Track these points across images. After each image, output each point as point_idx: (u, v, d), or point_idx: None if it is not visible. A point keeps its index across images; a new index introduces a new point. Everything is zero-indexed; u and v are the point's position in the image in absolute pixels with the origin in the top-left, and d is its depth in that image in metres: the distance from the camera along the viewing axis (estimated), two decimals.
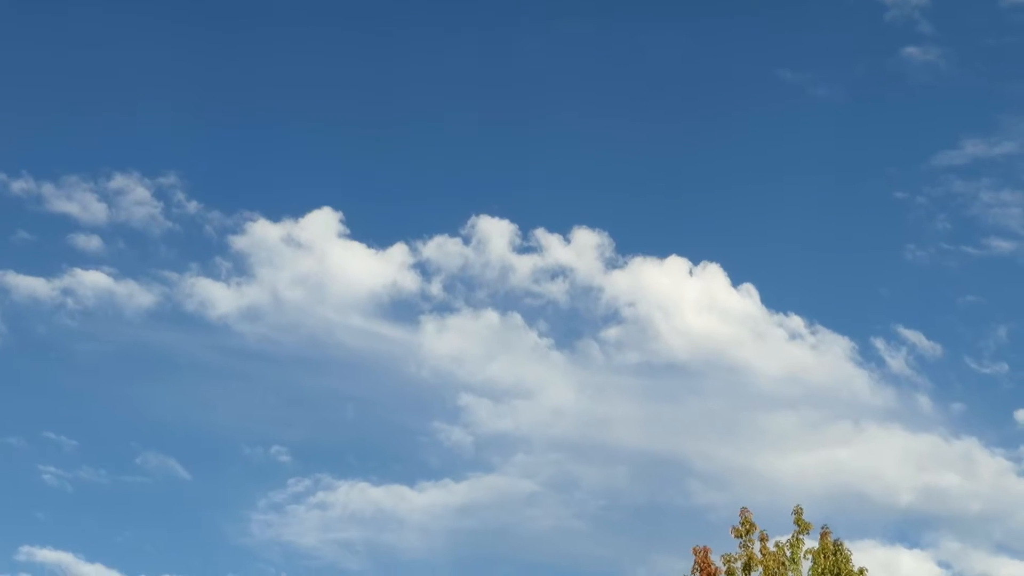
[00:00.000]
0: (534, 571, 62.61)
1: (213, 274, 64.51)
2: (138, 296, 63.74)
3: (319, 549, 61.53)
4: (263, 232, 64.24)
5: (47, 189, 65.00)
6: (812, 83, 69.42)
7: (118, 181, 65.64)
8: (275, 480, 62.80)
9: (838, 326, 63.09)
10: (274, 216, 64.83)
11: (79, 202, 65.02)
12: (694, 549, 22.32)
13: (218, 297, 63.50)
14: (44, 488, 61.38)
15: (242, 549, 61.99)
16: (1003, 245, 64.41)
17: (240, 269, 64.32)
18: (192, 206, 65.63)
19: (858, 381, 61.78)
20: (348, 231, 64.67)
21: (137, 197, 65.31)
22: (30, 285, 63.46)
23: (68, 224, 64.85)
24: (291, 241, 64.21)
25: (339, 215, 64.38)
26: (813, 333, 62.71)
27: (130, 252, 65.76)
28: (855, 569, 22.51)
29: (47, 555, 58.83)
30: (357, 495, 62.11)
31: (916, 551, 57.84)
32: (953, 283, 65.75)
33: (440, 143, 72.71)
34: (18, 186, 65.15)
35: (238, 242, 64.60)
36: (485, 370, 63.72)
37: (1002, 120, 66.46)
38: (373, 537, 61.92)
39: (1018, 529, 58.88)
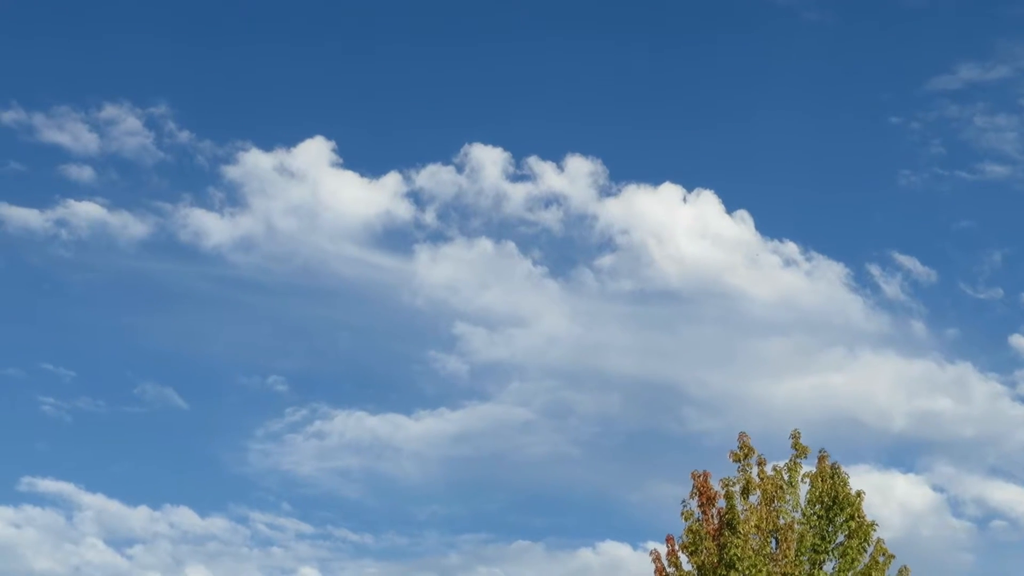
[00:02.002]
0: (530, 498, 63.15)
1: (206, 204, 64.39)
2: (131, 227, 63.65)
3: (317, 478, 62.01)
4: (255, 162, 64.05)
5: (38, 119, 64.69)
6: (805, 7, 68.95)
7: (109, 111, 65.28)
8: (272, 410, 63.17)
9: (832, 252, 63.20)
10: (266, 145, 64.59)
11: (70, 132, 64.71)
12: (693, 473, 22.45)
13: (211, 227, 63.46)
14: (43, 419, 61.77)
15: (240, 478, 62.46)
16: (997, 170, 64.34)
17: (233, 199, 64.18)
18: (184, 136, 65.34)
19: (852, 307, 62.01)
20: (341, 160, 64.47)
21: (128, 127, 64.98)
22: (23, 216, 63.38)
23: (60, 154, 64.60)
24: (284, 170, 64.03)
25: (332, 144, 64.16)
26: (807, 259, 62.81)
27: (122, 182, 65.57)
28: (852, 492, 22.66)
29: (48, 485, 59.30)
30: (354, 424, 62.49)
31: (910, 475, 58.40)
32: (947, 208, 65.80)
33: (432, 71, 72.26)
34: (8, 117, 64.84)
35: (231, 172, 64.41)
36: (479, 298, 63.85)
37: (997, 44, 66.11)
38: (370, 465, 62.37)
39: (1011, 453, 59.40)
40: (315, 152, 64.07)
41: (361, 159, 68.45)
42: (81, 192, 64.12)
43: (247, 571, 58.37)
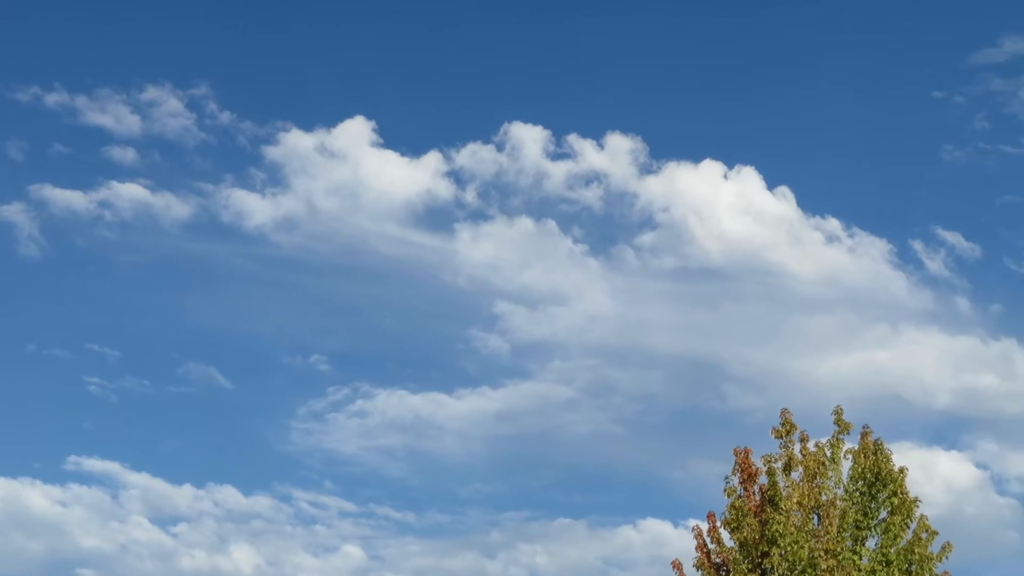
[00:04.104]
0: (572, 475, 63.26)
1: (248, 185, 64.70)
2: (174, 207, 64.06)
3: (360, 456, 62.36)
4: (296, 142, 64.27)
5: (80, 101, 65.11)
6: None
7: (150, 93, 65.66)
8: (315, 389, 63.54)
9: (875, 228, 62.74)
10: (307, 126, 64.78)
11: (113, 114, 65.12)
12: (735, 450, 22.44)
13: (254, 207, 63.76)
14: (90, 399, 62.40)
15: (284, 456, 62.93)
16: None
17: (274, 179, 64.47)
18: (225, 117, 65.63)
19: (896, 283, 61.58)
20: (381, 140, 64.56)
21: (170, 108, 65.33)
22: (67, 198, 63.90)
23: (103, 136, 65.06)
24: (324, 150, 64.21)
25: (372, 124, 64.25)
26: (850, 236, 62.40)
27: (165, 164, 65.98)
28: (895, 469, 22.57)
29: (94, 464, 59.94)
30: (396, 403, 62.76)
31: (954, 452, 58.02)
32: (992, 183, 65.13)
33: (472, 49, 72.20)
34: (52, 99, 65.28)
35: (272, 152, 64.69)
36: (520, 277, 63.87)
37: None
38: (413, 444, 62.65)
39: None
40: (356, 132, 64.24)
41: (401, 138, 68.62)
42: (124, 174, 64.61)
43: (291, 549, 58.88)
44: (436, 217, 64.48)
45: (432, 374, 65.31)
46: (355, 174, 63.96)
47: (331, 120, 65.09)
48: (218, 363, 63.41)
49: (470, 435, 62.40)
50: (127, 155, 64.81)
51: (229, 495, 59.72)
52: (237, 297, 66.82)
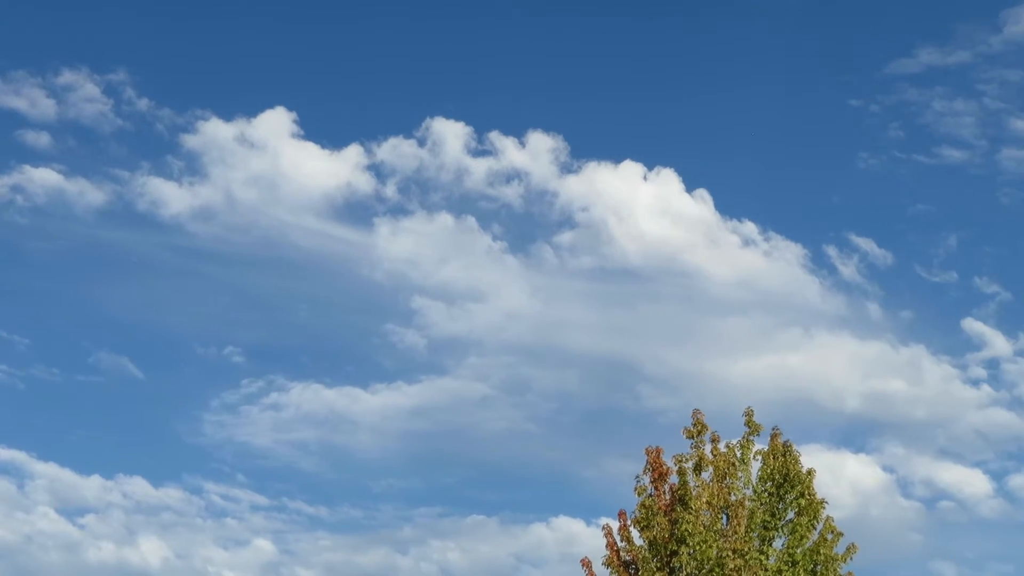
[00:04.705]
0: (485, 473, 63.34)
1: (165, 173, 63.97)
2: (89, 194, 63.14)
3: (273, 449, 61.92)
4: (215, 131, 63.64)
5: None
6: None
7: (67, 77, 64.69)
8: (228, 381, 62.99)
9: (791, 233, 63.57)
10: (227, 115, 64.17)
11: (27, 97, 64.09)
12: (647, 449, 22.60)
13: (170, 196, 63.07)
14: None
15: (195, 448, 62.28)
16: (955, 154, 64.85)
17: (192, 168, 63.80)
18: (143, 103, 64.83)
19: (809, 288, 62.44)
20: (302, 131, 64.16)
21: (86, 93, 64.41)
22: None
23: (16, 120, 64.03)
24: (244, 141, 63.67)
25: (293, 115, 63.82)
26: (766, 240, 63.15)
27: (80, 149, 65.02)
28: (803, 470, 22.87)
29: (0, 453, 58.87)
30: (310, 396, 62.41)
31: (861, 455, 58.98)
32: (905, 191, 66.30)
33: (396, 44, 71.93)
34: None
35: (190, 141, 64.01)
36: (439, 273, 63.82)
37: (957, 29, 66.54)
38: (327, 438, 62.36)
39: (961, 435, 60.10)
40: (276, 123, 63.79)
41: (322, 131, 68.29)
42: (38, 159, 63.58)
43: (200, 542, 58.29)
44: (355, 211, 64.25)
45: (348, 368, 65.08)
46: (274, 165, 63.56)
47: (251, 110, 64.62)
48: (130, 353, 62.65)
49: (385, 430, 62.27)
50: (41, 139, 63.81)
51: (138, 487, 59.05)
52: (151, 287, 66.07)
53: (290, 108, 63.94)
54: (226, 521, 58.80)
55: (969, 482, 58.30)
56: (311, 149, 64.14)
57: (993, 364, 60.65)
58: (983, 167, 64.76)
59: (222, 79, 71.48)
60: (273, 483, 60.85)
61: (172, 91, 67.24)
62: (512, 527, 59.95)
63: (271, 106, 64.36)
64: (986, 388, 60.15)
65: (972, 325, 61.51)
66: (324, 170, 63.60)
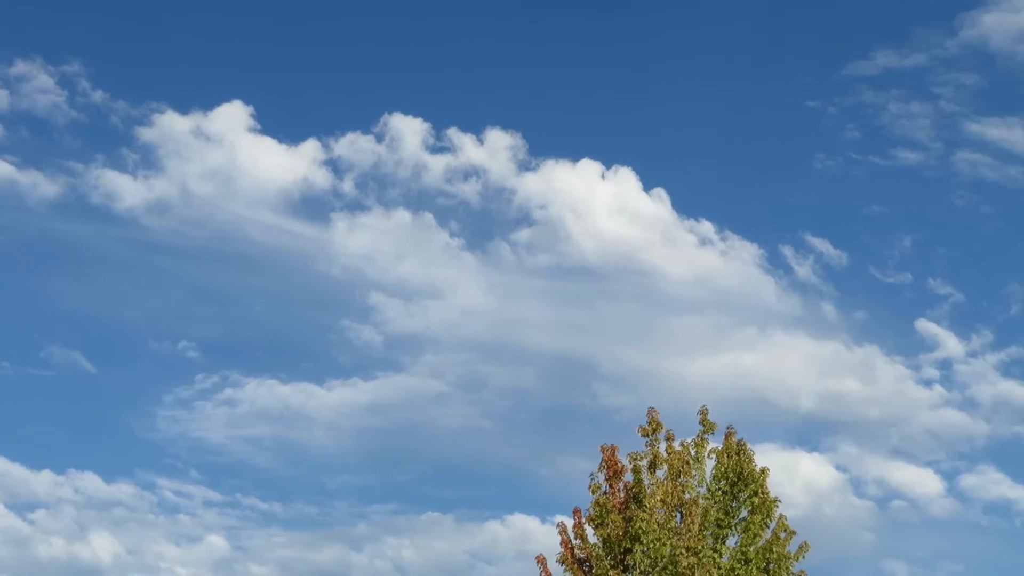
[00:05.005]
0: (442, 469, 63.22)
1: (119, 166, 63.40)
2: (42, 186, 62.52)
3: (227, 445, 61.53)
4: (171, 124, 63.16)
5: None
6: None
7: (20, 67, 64.01)
8: (183, 376, 62.55)
9: (747, 233, 63.86)
10: (183, 108, 63.70)
11: None
12: (602, 447, 22.61)
13: (125, 189, 62.52)
14: None
15: (149, 444, 61.83)
16: (910, 156, 65.33)
17: (148, 161, 63.27)
18: (98, 95, 64.22)
19: (765, 287, 62.74)
20: (259, 125, 63.77)
21: (40, 84, 63.74)
22: None
23: None
24: (200, 134, 63.21)
25: (250, 109, 63.43)
26: (723, 239, 63.39)
27: (33, 141, 64.38)
28: (757, 469, 22.97)
29: None
30: (265, 392, 62.09)
31: (815, 455, 59.33)
32: (860, 192, 66.73)
33: (354, 39, 71.70)
34: None
35: (145, 133, 63.47)
36: (396, 269, 63.66)
37: (914, 32, 67.03)
38: (281, 434, 62.06)
39: (913, 435, 60.59)
40: (233, 116, 63.38)
41: (280, 125, 67.85)
42: None
43: (152, 538, 57.86)
44: (312, 206, 63.95)
45: (303, 364, 64.78)
46: (231, 159, 63.13)
47: (208, 103, 64.18)
48: (83, 347, 62.09)
49: (340, 427, 62.04)
50: None
51: (90, 482, 58.52)
52: (105, 280, 65.51)
53: (247, 102, 63.60)
54: (179, 517, 58.43)
55: (921, 482, 58.83)
56: (268, 143, 63.85)
57: (946, 365, 61.21)
58: (938, 169, 65.31)
59: (178, 72, 70.96)
60: (227, 479, 60.54)
61: (127, 83, 66.71)
62: (467, 524, 59.92)
63: (228, 100, 64.00)
64: (938, 389, 60.71)
65: (925, 326, 62.06)
66: (281, 165, 63.32)
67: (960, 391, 60.56)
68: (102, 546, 56.70)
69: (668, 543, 21.51)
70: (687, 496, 22.26)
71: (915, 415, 60.81)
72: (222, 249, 64.70)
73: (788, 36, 71.25)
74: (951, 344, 61.11)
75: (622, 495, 22.40)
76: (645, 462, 22.39)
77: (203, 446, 61.26)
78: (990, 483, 59.10)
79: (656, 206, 63.20)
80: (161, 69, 70.45)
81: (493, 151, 63.79)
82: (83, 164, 63.19)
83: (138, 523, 57.99)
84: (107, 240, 64.67)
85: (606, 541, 22.06)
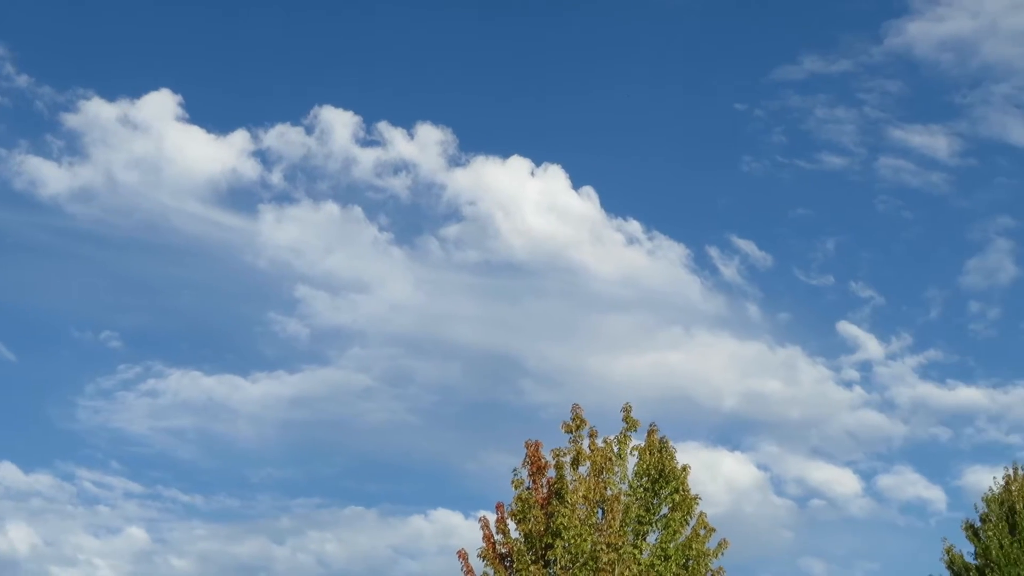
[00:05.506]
0: (366, 464, 63.16)
1: (44, 152, 62.57)
2: None
3: (149, 437, 61.00)
4: (98, 111, 62.44)
5: None
6: None
7: None
8: (104, 365, 61.93)
9: (674, 232, 64.48)
10: (110, 95, 62.98)
11: None
12: (526, 443, 22.73)
13: (49, 176, 61.73)
14: None
15: (68, 434, 61.13)
16: (835, 160, 66.32)
17: (73, 148, 62.49)
18: (22, 80, 63.37)
19: (691, 287, 63.38)
20: (187, 115, 63.26)
21: None
22: None
23: None
24: (127, 122, 62.54)
25: (178, 98, 62.88)
26: (650, 238, 63.91)
27: None
28: (678, 466, 23.18)
29: None
30: (189, 383, 61.61)
31: (737, 453, 60.09)
32: (786, 195, 67.65)
33: (286, 30, 71.27)
34: None
35: (71, 120, 62.69)
36: (323, 262, 63.46)
37: (841, 38, 68.00)
38: (205, 426, 61.63)
39: (833, 435, 61.52)
40: (161, 105, 62.78)
41: (208, 115, 67.41)
42: None
43: (71, 529, 57.21)
44: (240, 197, 63.53)
45: (228, 356, 64.37)
46: (158, 148, 62.55)
47: (136, 91, 63.54)
48: (3, 335, 61.34)
49: (264, 419, 61.73)
50: None
51: (7, 472, 57.75)
52: (27, 268, 64.61)
53: (176, 91, 63.06)
54: (98, 508, 57.83)
55: (839, 481, 59.76)
56: (196, 133, 63.33)
57: (866, 367, 62.21)
58: (861, 174, 66.36)
59: (106, 58, 70.22)
60: (148, 471, 60.01)
61: (53, 68, 65.88)
62: (391, 519, 59.92)
63: (156, 88, 63.43)
64: (858, 390, 61.69)
65: (847, 328, 63.02)
66: (209, 155, 62.83)
67: (879, 393, 61.62)
68: (19, 537, 56.01)
69: (589, 539, 21.67)
70: (609, 492, 22.43)
71: (835, 416, 61.78)
72: (147, 239, 64.14)
73: (718, 39, 72.04)
74: (871, 346, 62.17)
75: (545, 491, 22.53)
76: (568, 458, 22.54)
77: (124, 437, 60.69)
78: (906, 483, 60.22)
79: (585, 204, 63.61)
80: (88, 54, 69.73)
81: (423, 146, 63.83)
82: (6, 150, 62.36)
83: (56, 514, 57.36)
84: (30, 227, 63.85)
85: (528, 536, 22.18)
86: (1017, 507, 30.50)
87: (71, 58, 69.46)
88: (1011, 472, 31.67)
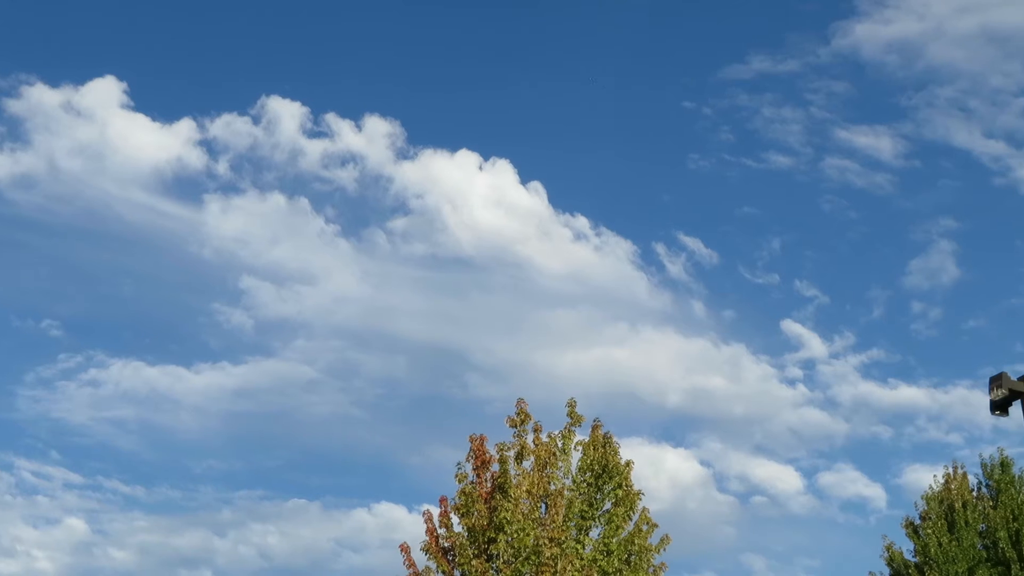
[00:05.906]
0: (310, 456, 62.86)
1: None
2: None
3: (90, 427, 60.37)
4: (40, 97, 61.73)
5: None
6: None
7: None
8: (45, 354, 61.26)
9: (621, 229, 64.73)
10: (53, 81, 62.32)
11: None
12: (470, 437, 22.69)
13: None
14: None
15: (8, 424, 60.40)
16: (781, 160, 66.77)
17: (14, 134, 61.73)
18: None
19: (638, 284, 63.62)
20: (132, 102, 62.67)
21: None
22: None
23: None
24: (71, 108, 61.83)
25: (123, 85, 62.28)
26: (597, 234, 64.06)
27: None
28: (622, 462, 23.24)
29: None
30: (131, 374, 61.07)
31: (680, 449, 60.39)
32: (732, 194, 68.07)
33: (234, 18, 70.70)
34: None
35: (13, 106, 61.93)
36: (269, 253, 63.08)
37: (789, 38, 68.42)
38: (147, 417, 61.10)
39: (776, 432, 61.95)
40: (105, 92, 62.13)
41: (154, 103, 66.85)
42: None
43: (8, 519, 56.54)
44: (185, 186, 63.03)
45: (171, 346, 63.89)
46: (102, 135, 61.89)
47: (80, 77, 63.02)
48: None
49: (207, 411, 61.28)
50: None
51: None
52: None
53: (121, 78, 62.47)
54: (37, 499, 57.20)
55: (781, 478, 60.22)
56: (141, 121, 62.75)
57: (809, 365, 62.73)
58: (807, 174, 66.84)
59: (50, 44, 69.36)
60: (88, 461, 59.46)
61: None
62: (334, 512, 59.70)
63: (100, 75, 62.92)
64: (801, 388, 62.19)
65: (791, 326, 63.51)
66: (154, 143, 62.27)
67: (822, 391, 62.16)
68: None
69: (532, 533, 21.67)
70: (552, 487, 22.45)
71: (778, 413, 62.25)
72: (90, 227, 63.50)
73: (667, 37, 72.28)
74: (815, 345, 62.69)
75: (489, 485, 22.50)
76: (512, 453, 22.53)
77: (65, 427, 60.05)
78: (847, 481, 60.80)
79: (532, 199, 63.64)
80: (31, 40, 68.81)
81: (371, 138, 63.61)
82: None
83: None
84: None
85: (471, 530, 22.15)
86: (956, 505, 30.85)
87: (13, 43, 68.65)
88: (951, 471, 32.07)
